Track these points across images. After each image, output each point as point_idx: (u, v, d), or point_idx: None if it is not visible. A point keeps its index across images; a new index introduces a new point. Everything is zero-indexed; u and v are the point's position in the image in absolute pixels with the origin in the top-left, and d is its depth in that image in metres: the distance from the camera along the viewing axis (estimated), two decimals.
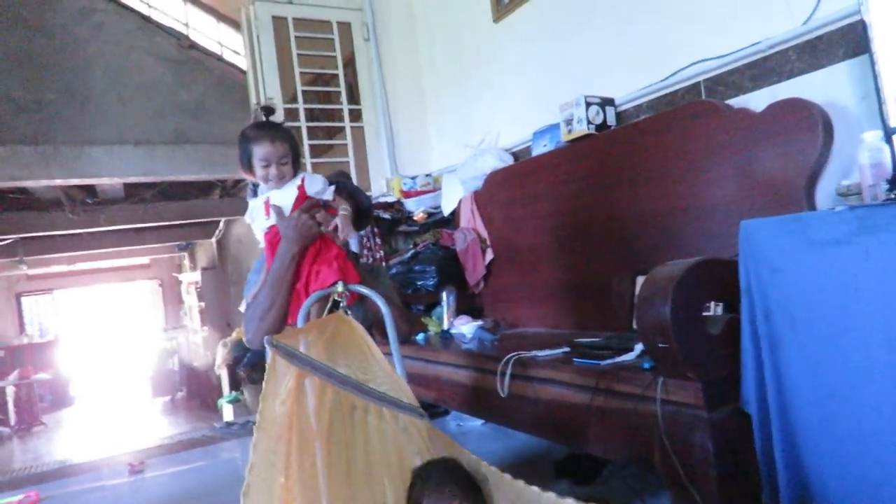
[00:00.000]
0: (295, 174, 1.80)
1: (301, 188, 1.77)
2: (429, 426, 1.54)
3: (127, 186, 7.18)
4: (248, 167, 1.77)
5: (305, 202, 1.76)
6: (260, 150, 1.73)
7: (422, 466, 1.44)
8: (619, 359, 1.80)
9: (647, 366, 1.66)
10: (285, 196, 1.76)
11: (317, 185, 1.79)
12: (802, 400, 1.37)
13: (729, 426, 1.48)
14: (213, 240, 8.11)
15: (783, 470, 1.40)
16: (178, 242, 8.81)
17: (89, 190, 7.24)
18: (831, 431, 1.32)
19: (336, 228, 1.75)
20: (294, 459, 1.24)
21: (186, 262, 9.26)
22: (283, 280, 1.72)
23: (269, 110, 1.81)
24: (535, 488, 1.39)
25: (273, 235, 1.76)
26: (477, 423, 3.30)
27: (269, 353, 1.26)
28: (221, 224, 8.58)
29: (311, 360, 1.35)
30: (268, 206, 1.77)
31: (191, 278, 8.27)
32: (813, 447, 1.37)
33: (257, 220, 1.81)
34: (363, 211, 2.01)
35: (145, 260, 10.57)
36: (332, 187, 1.83)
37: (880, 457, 1.23)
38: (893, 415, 1.20)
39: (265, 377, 1.25)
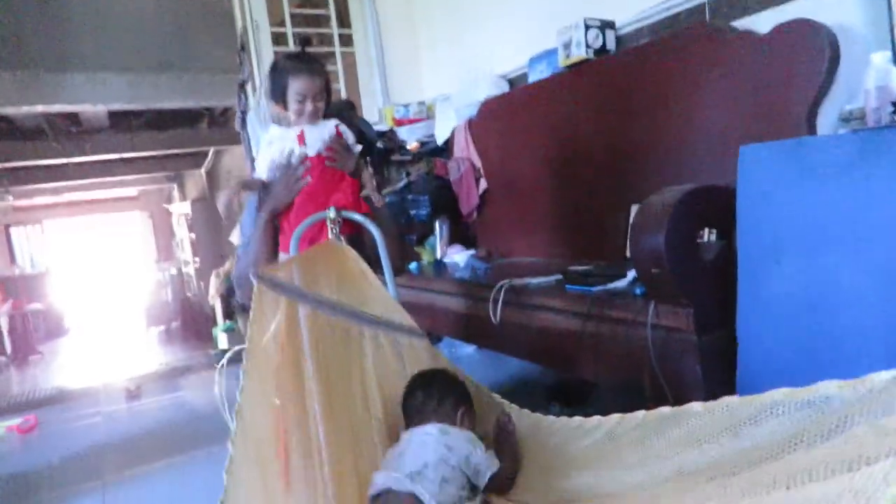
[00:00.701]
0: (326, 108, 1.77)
1: (339, 134, 1.75)
2: (428, 346, 1.55)
3: (112, 116, 7.00)
4: (282, 99, 1.72)
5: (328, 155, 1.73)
6: (297, 84, 1.69)
7: (416, 375, 1.47)
8: (611, 285, 1.81)
9: (639, 292, 1.67)
10: (318, 133, 1.73)
11: (350, 138, 1.78)
12: (790, 324, 1.38)
13: (718, 351, 1.51)
14: (203, 171, 7.98)
15: (767, 388, 1.43)
16: (166, 173, 8.67)
17: (73, 119, 7.06)
18: (816, 353, 1.34)
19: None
20: (286, 383, 1.25)
21: (176, 193, 9.16)
22: (265, 232, 1.74)
23: (305, 40, 1.75)
24: (526, 410, 1.42)
25: (319, 160, 1.73)
26: (469, 349, 3.36)
27: (256, 285, 1.25)
28: (210, 154, 8.43)
29: (299, 290, 1.35)
30: (302, 138, 1.73)
31: (181, 210, 8.20)
32: (796, 368, 1.39)
33: (280, 149, 1.76)
34: (371, 145, 1.98)
35: (133, 192, 10.44)
36: (359, 147, 1.81)
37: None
38: (881, 340, 1.21)
39: (252, 309, 1.24)
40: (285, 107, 1.73)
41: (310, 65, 1.71)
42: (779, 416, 0.74)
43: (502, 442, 1.38)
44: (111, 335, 7.88)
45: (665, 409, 1.01)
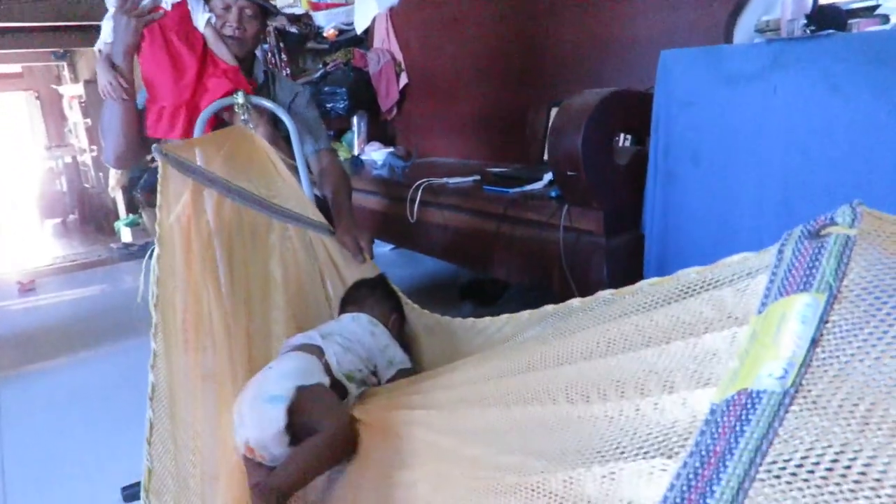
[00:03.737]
0: None
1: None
2: (334, 242, 1.53)
3: None
4: None
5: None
6: None
7: (355, 283, 1.47)
8: (527, 188, 1.83)
9: (553, 195, 1.70)
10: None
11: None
12: (694, 229, 1.45)
13: (624, 253, 1.58)
14: (96, 48, 7.20)
15: None
16: (53, 50, 7.81)
17: None
18: (716, 260, 1.43)
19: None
20: (194, 272, 1.20)
21: (66, 73, 8.30)
22: (125, 112, 1.58)
23: None
24: (447, 318, 1.43)
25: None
26: (386, 248, 3.37)
27: (160, 163, 1.16)
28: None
29: (207, 173, 1.27)
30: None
31: (73, 91, 7.46)
32: None
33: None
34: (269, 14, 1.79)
35: (17, 68, 9.37)
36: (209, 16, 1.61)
37: None
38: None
39: (158, 189, 1.16)
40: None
41: None
42: (647, 306, 0.78)
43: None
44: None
45: (548, 307, 1.03)
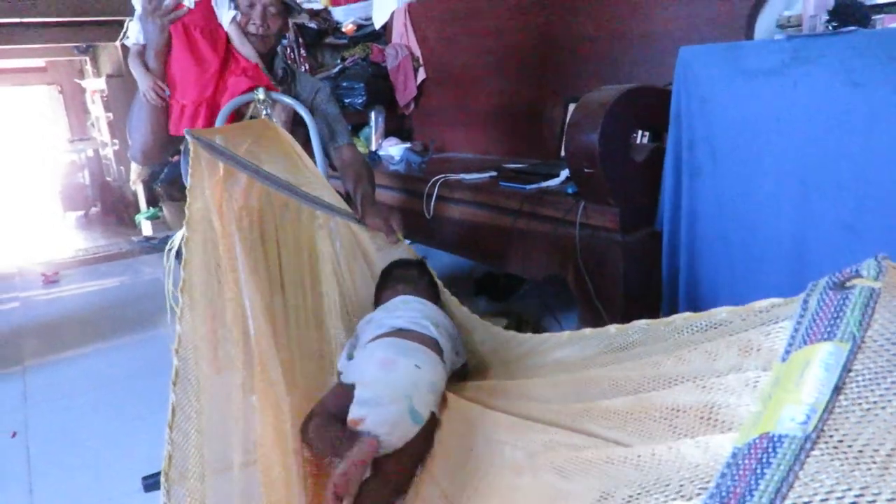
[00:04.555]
0: None
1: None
2: (362, 230, 1.56)
3: None
4: None
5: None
6: None
7: (400, 261, 1.51)
8: (544, 184, 1.83)
9: (570, 191, 1.70)
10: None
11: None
12: (711, 227, 1.45)
13: (640, 250, 1.57)
14: (118, 43, 7.31)
15: (684, 286, 1.52)
16: (76, 44, 7.93)
17: None
18: (732, 256, 1.42)
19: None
20: (225, 258, 1.20)
21: (89, 67, 8.41)
22: (153, 110, 1.60)
23: None
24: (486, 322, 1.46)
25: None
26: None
27: (191, 146, 1.17)
28: (126, 24, 7.71)
29: (238, 157, 1.28)
30: None
31: (95, 86, 7.56)
32: (713, 270, 1.48)
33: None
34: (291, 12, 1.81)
35: (40, 62, 9.51)
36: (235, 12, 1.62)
37: (774, 284, 1.34)
38: (792, 247, 1.29)
39: (189, 171, 1.18)
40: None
41: None
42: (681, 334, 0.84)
43: None
44: (22, 218, 7.44)
45: (585, 331, 1.08)
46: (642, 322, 0.92)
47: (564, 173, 1.82)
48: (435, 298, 1.45)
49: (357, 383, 1.13)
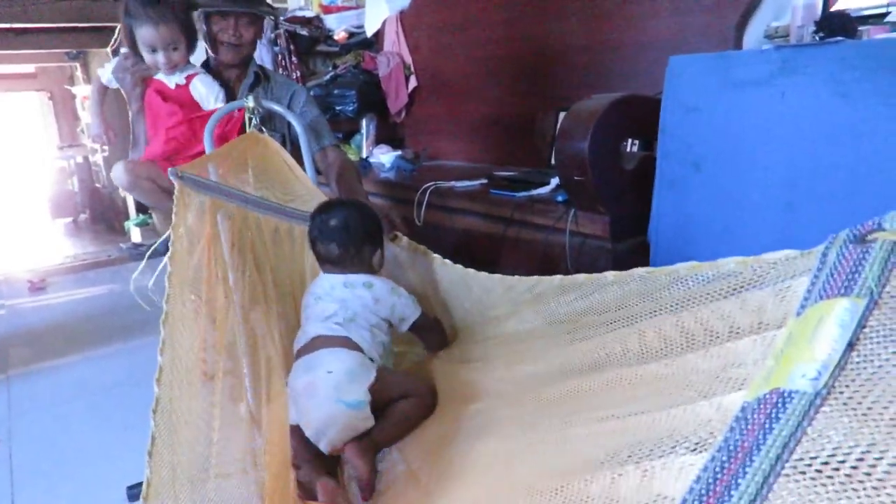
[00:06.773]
0: (190, 53, 1.65)
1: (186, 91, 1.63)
2: None
3: None
4: (133, 48, 1.60)
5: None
6: (145, 34, 1.54)
7: (326, 210, 1.43)
8: (534, 192, 1.83)
9: (560, 199, 1.70)
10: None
11: (200, 91, 1.64)
12: (701, 236, 1.45)
13: (630, 258, 1.57)
14: (109, 49, 7.28)
15: None
16: (67, 50, 7.88)
17: None
18: None
19: None
20: (212, 290, 1.19)
21: (79, 73, 8.37)
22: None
23: None
24: (470, 270, 1.47)
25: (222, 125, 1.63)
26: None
27: (176, 186, 1.15)
28: (118, 31, 7.69)
29: (222, 187, 1.27)
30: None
31: (86, 92, 7.53)
32: None
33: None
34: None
35: (30, 68, 9.46)
36: (222, 93, 1.66)
37: None
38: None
39: (174, 211, 1.15)
40: (140, 56, 1.61)
41: (156, 10, 1.53)
42: (685, 285, 0.81)
43: None
44: (9, 225, 7.37)
45: (580, 276, 1.05)
46: (642, 270, 0.90)
47: (555, 181, 1.83)
48: (371, 254, 1.42)
49: (301, 425, 1.20)
